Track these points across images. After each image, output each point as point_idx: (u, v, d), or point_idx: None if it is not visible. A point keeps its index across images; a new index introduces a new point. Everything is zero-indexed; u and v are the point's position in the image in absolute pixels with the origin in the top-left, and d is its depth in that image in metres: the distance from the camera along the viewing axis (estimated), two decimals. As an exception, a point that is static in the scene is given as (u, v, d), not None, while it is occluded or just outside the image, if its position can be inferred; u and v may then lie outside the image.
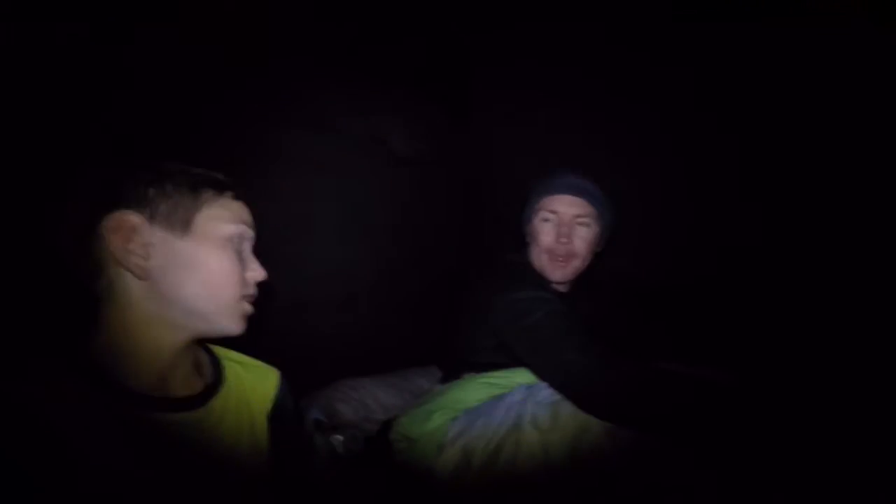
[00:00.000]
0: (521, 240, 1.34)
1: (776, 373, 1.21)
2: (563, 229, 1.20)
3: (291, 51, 1.60)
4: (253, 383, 0.81)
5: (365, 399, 1.46)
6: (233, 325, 0.73)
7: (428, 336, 1.71)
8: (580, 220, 1.21)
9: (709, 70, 1.66)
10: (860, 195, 1.45)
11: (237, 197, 0.76)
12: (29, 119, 1.06)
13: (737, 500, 0.84)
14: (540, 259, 1.24)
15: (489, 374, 1.13)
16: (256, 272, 0.76)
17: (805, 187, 1.55)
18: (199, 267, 0.70)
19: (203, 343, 0.79)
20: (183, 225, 0.69)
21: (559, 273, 1.22)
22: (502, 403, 1.03)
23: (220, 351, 0.82)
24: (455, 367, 1.24)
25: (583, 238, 1.21)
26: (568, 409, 0.93)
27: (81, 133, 1.11)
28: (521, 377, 1.09)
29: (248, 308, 0.75)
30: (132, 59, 1.22)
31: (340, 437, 1.17)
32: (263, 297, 0.78)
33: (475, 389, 1.11)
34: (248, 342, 0.79)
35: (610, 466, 0.85)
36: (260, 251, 0.79)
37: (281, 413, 0.82)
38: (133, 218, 0.67)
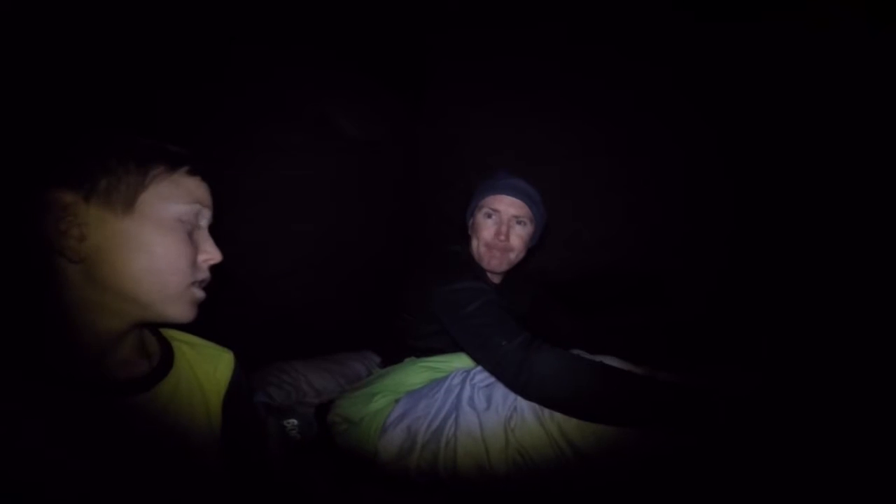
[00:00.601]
0: (462, 232, 1.41)
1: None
2: (503, 227, 1.30)
3: (251, 33, 1.55)
4: (204, 365, 0.78)
5: (298, 382, 1.44)
6: (180, 314, 0.68)
7: (365, 319, 1.72)
8: (518, 219, 1.31)
9: (692, 67, 1.72)
10: (859, 195, 1.50)
11: (193, 172, 0.70)
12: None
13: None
14: (479, 251, 1.32)
15: (430, 358, 1.20)
16: (211, 255, 0.71)
17: (801, 185, 1.60)
18: (141, 251, 0.64)
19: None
20: (125, 204, 0.64)
21: (495, 263, 1.31)
22: (442, 386, 1.09)
23: (169, 332, 0.78)
24: (396, 352, 1.29)
25: (519, 235, 1.32)
26: (500, 392, 1.02)
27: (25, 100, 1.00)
28: (459, 362, 1.17)
29: (199, 294, 0.70)
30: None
31: (295, 421, 1.17)
32: (217, 279, 0.73)
33: (416, 373, 1.17)
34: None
35: (540, 444, 0.94)
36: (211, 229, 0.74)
37: (235, 395, 0.80)
38: (65, 196, 0.62)
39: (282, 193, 1.65)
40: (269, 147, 1.60)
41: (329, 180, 1.77)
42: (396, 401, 1.13)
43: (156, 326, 0.75)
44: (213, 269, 0.73)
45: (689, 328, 1.66)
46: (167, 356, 0.74)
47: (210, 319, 0.77)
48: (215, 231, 0.74)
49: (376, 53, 1.93)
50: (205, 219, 0.72)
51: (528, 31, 1.89)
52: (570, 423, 0.94)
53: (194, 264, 0.69)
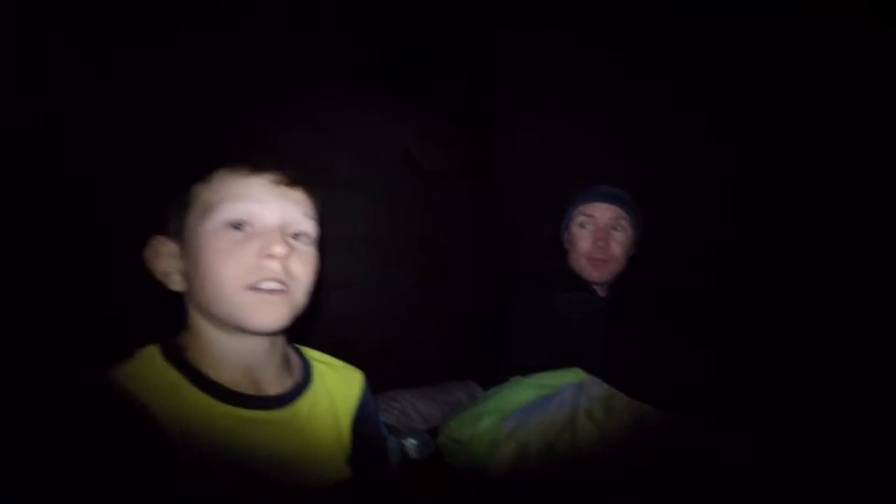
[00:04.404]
0: (556, 247, 1.42)
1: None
2: (600, 233, 1.29)
3: (317, 64, 1.65)
4: (338, 384, 0.82)
5: (406, 409, 1.51)
6: (253, 319, 0.66)
7: (457, 346, 1.76)
8: (615, 225, 1.30)
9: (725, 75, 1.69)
10: (860, 195, 1.48)
11: (256, 169, 0.70)
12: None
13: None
14: (579, 263, 1.32)
15: (537, 375, 1.19)
16: (264, 247, 0.66)
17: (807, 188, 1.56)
18: (197, 265, 0.67)
19: (292, 343, 0.80)
20: (179, 230, 0.70)
21: (597, 274, 1.30)
22: (554, 400, 1.09)
23: (308, 352, 0.83)
24: (501, 372, 1.30)
25: (618, 242, 1.30)
26: (622, 401, 0.99)
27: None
28: (568, 377, 1.14)
29: (265, 297, 0.66)
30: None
31: (414, 441, 1.22)
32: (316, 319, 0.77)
33: (524, 391, 1.17)
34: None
35: (667, 452, 0.91)
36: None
37: (363, 415, 0.83)
38: (157, 242, 0.71)
39: (365, 231, 1.73)
40: (348, 184, 1.68)
41: (409, 213, 1.85)
42: (504, 419, 1.13)
43: (291, 344, 0.79)
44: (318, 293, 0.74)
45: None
46: (307, 374, 0.79)
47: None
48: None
49: (444, 85, 2.03)
50: (262, 213, 0.68)
51: (593, 51, 1.93)
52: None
53: (248, 265, 0.66)
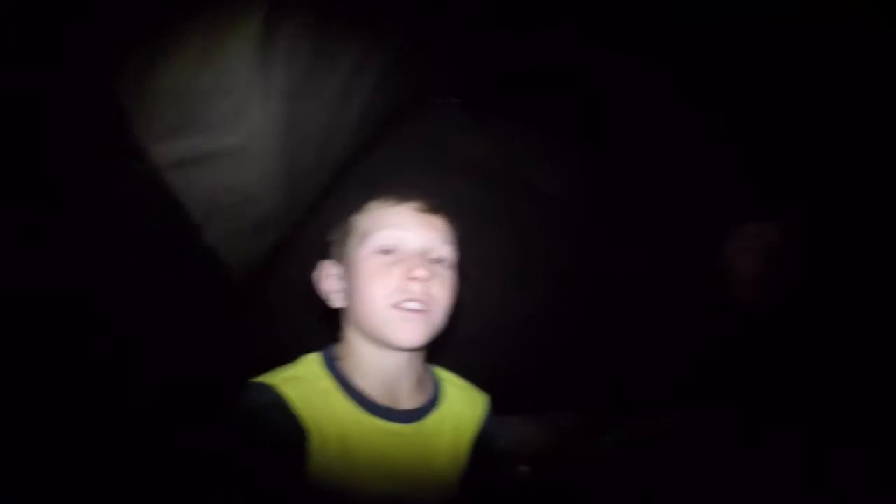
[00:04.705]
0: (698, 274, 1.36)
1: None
2: (763, 256, 1.26)
3: (432, 97, 1.74)
4: (464, 405, 0.84)
5: (514, 436, 1.51)
6: (396, 335, 0.72)
7: (570, 374, 1.73)
8: (774, 246, 1.26)
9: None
10: (860, 196, 1.45)
11: (402, 199, 0.77)
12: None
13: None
14: (739, 289, 1.27)
15: None
16: (408, 269, 0.72)
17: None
18: (353, 284, 0.75)
19: (425, 361, 0.83)
20: (342, 254, 0.79)
21: (757, 298, 1.24)
22: None
23: (440, 371, 0.87)
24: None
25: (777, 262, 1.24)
26: None
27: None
28: None
29: (408, 315, 0.72)
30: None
31: (526, 468, 1.23)
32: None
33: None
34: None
35: None
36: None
37: (484, 438, 0.84)
38: (325, 265, 0.81)
39: (483, 254, 1.76)
40: (469, 209, 1.73)
41: (531, 239, 1.85)
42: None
43: (425, 363, 0.83)
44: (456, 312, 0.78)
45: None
46: (437, 392, 0.83)
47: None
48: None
49: (558, 108, 2.03)
50: (410, 241, 0.75)
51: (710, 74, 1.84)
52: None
53: (394, 286, 0.72)
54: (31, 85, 0.55)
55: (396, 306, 0.72)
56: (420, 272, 0.72)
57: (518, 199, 1.89)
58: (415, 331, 0.73)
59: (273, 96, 0.85)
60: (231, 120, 0.80)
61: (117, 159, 0.67)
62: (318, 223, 1.11)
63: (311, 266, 0.83)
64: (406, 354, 0.77)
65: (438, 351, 0.83)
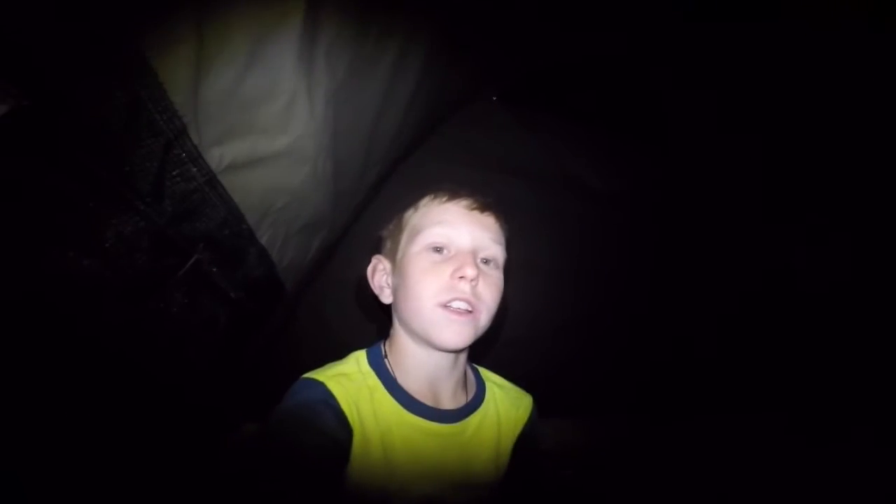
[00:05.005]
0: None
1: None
2: None
3: (482, 89, 1.72)
4: (507, 406, 0.84)
5: (558, 438, 1.49)
6: (441, 336, 0.72)
7: (615, 378, 1.68)
8: None
9: None
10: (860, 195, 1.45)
11: (454, 196, 0.77)
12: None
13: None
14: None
15: None
16: (458, 269, 0.71)
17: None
18: (403, 283, 0.75)
19: (471, 362, 0.84)
20: (394, 251, 0.79)
21: None
22: None
23: (484, 372, 0.87)
24: None
25: None
26: None
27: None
28: None
29: (455, 317, 0.71)
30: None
31: (569, 471, 1.21)
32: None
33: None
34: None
35: None
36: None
37: (527, 439, 0.84)
38: (377, 260, 0.81)
39: (533, 256, 1.75)
40: (517, 209, 1.71)
41: (581, 238, 1.82)
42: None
43: (468, 362, 0.84)
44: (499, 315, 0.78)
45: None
46: (481, 393, 0.83)
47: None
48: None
49: (614, 105, 1.97)
50: (460, 239, 0.75)
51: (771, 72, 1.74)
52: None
53: (443, 284, 0.72)
54: (84, 93, 0.58)
55: (444, 306, 0.72)
56: (469, 271, 0.71)
57: (565, 199, 1.86)
58: (460, 333, 0.72)
59: (318, 98, 0.87)
60: (281, 122, 0.82)
61: (174, 165, 0.70)
62: (366, 223, 1.12)
63: (359, 264, 0.85)
64: (450, 354, 0.77)
65: (483, 350, 0.83)
